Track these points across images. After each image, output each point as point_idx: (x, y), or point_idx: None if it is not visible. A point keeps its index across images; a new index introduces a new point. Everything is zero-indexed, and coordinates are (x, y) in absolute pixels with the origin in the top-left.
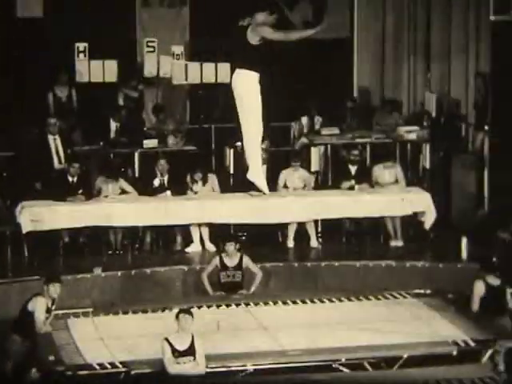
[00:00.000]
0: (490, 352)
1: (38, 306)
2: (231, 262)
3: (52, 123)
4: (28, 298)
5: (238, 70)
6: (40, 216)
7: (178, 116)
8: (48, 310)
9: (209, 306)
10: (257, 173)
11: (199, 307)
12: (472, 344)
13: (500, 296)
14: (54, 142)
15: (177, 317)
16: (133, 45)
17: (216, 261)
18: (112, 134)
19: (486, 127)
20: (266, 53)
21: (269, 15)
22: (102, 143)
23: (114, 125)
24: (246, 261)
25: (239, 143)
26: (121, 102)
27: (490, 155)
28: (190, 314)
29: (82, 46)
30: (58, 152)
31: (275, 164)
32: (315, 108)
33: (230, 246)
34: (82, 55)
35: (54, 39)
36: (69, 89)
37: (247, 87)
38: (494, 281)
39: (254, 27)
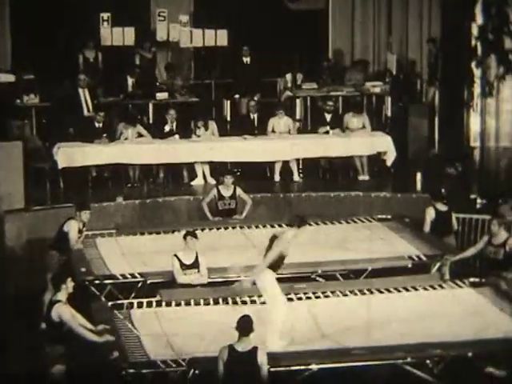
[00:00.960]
0: (438, 264)
1: (72, 227)
2: (227, 192)
3: (82, 79)
4: (64, 221)
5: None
6: (73, 155)
7: (185, 73)
8: (80, 231)
9: (210, 229)
10: None
11: (202, 229)
12: (424, 258)
13: (447, 220)
14: (84, 94)
15: (184, 237)
16: (147, 14)
17: (214, 191)
18: (129, 89)
19: (437, 83)
20: (258, 22)
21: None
22: (121, 96)
23: (130, 80)
24: (239, 191)
25: (236, 95)
26: (137, 61)
27: (440, 105)
28: (195, 235)
29: (105, 15)
30: (86, 102)
31: (265, 112)
32: (297, 66)
33: (229, 179)
34: (105, 23)
35: (82, 10)
36: (95, 51)
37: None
38: (442, 207)
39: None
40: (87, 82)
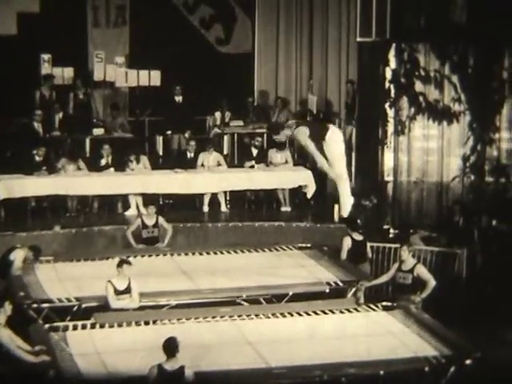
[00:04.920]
0: (353, 290)
1: (19, 256)
2: (150, 221)
3: (38, 114)
4: (8, 250)
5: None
6: (13, 186)
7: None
8: (24, 261)
9: (142, 256)
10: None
11: (135, 256)
12: (340, 284)
13: (362, 248)
14: (38, 129)
15: (119, 265)
16: (85, 56)
17: (138, 221)
18: (56, 125)
19: (354, 122)
20: (189, 63)
21: None
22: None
23: (57, 117)
24: (161, 220)
25: (168, 132)
26: (71, 100)
27: (356, 142)
28: (130, 263)
29: (46, 56)
30: (38, 136)
31: (196, 147)
32: (226, 105)
33: (152, 209)
34: (46, 64)
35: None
36: (50, 89)
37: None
38: (358, 237)
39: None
40: (42, 117)
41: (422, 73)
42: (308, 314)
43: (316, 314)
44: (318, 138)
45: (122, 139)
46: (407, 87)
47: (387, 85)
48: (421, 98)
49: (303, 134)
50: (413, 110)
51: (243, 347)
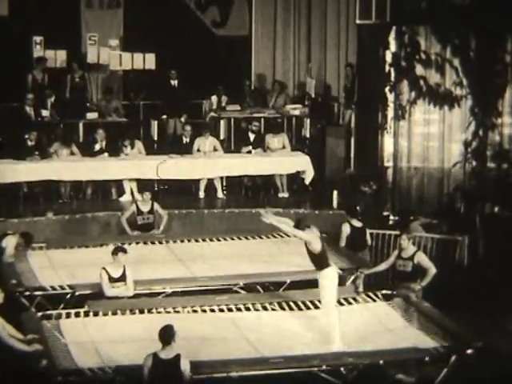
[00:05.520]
0: (352, 277)
1: (11, 243)
2: (145, 207)
3: (30, 98)
4: (0, 236)
5: None
6: (4, 171)
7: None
8: (16, 247)
9: (137, 243)
10: None
11: (129, 243)
12: (339, 271)
13: (361, 235)
14: (30, 113)
15: (115, 252)
16: (78, 38)
17: (133, 207)
18: (48, 108)
19: (353, 106)
20: (185, 46)
21: None
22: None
23: (49, 101)
24: (157, 206)
25: (164, 116)
26: (67, 83)
27: (356, 127)
28: (125, 251)
29: (38, 39)
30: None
31: (192, 132)
32: (222, 89)
33: (147, 195)
34: (38, 46)
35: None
36: (43, 72)
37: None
38: (357, 223)
39: None
40: (34, 101)
41: (423, 56)
42: (305, 304)
43: (313, 303)
44: None
45: (117, 123)
46: (408, 71)
47: (387, 68)
48: (421, 82)
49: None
50: (413, 94)
51: (239, 337)
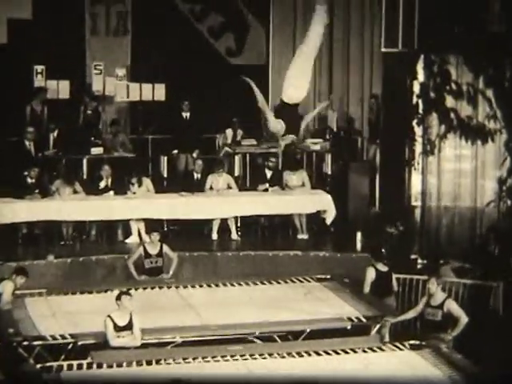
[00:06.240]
0: (377, 326)
1: (7, 289)
2: (154, 250)
3: (30, 131)
4: None
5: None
6: (2, 210)
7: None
8: (12, 293)
9: (144, 288)
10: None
11: (136, 289)
12: (363, 320)
13: (387, 280)
14: (30, 147)
15: (118, 297)
16: (83, 67)
17: (141, 249)
18: (51, 143)
19: (378, 140)
20: (197, 76)
21: None
22: (54, 150)
23: (51, 136)
24: (166, 249)
25: (174, 151)
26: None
27: (381, 163)
28: (130, 294)
29: (39, 68)
30: (31, 156)
31: (204, 169)
32: (237, 122)
33: (156, 236)
34: (39, 76)
35: (17, 62)
36: (42, 104)
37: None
38: (383, 267)
39: None
40: (34, 135)
41: (454, 87)
42: (327, 354)
43: (336, 353)
44: None
45: (123, 159)
46: (437, 102)
47: (415, 100)
48: (452, 115)
49: None
50: (443, 127)
51: None
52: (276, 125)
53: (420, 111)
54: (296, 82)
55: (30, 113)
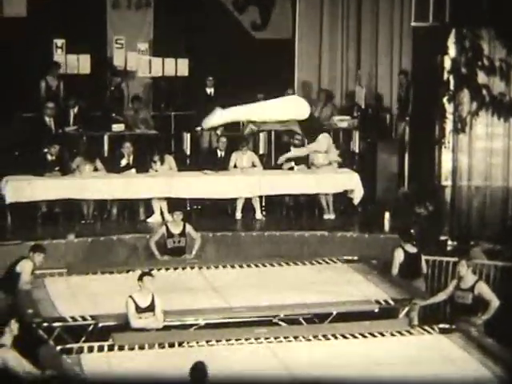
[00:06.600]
0: (406, 309)
1: (26, 268)
2: (176, 229)
3: (50, 107)
4: (16, 260)
5: None
6: (22, 189)
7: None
8: (32, 273)
9: (166, 269)
10: None
11: (158, 269)
12: (391, 302)
13: (416, 262)
14: (50, 124)
15: (140, 278)
16: (104, 42)
17: (163, 229)
18: (71, 120)
19: (407, 118)
20: (221, 51)
21: None
22: (75, 126)
23: (72, 112)
24: (189, 228)
25: (198, 128)
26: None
27: (410, 141)
28: (152, 275)
29: (59, 42)
30: (51, 132)
31: (228, 147)
32: (262, 99)
33: (179, 216)
34: (59, 50)
35: (36, 35)
36: (58, 79)
37: None
38: (411, 249)
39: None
40: (55, 110)
41: (486, 62)
42: (354, 337)
43: (363, 336)
44: None
45: (145, 136)
46: (469, 79)
47: (446, 76)
48: (484, 91)
49: None
50: (475, 104)
51: (281, 374)
52: None
53: (451, 87)
54: None
55: (44, 88)
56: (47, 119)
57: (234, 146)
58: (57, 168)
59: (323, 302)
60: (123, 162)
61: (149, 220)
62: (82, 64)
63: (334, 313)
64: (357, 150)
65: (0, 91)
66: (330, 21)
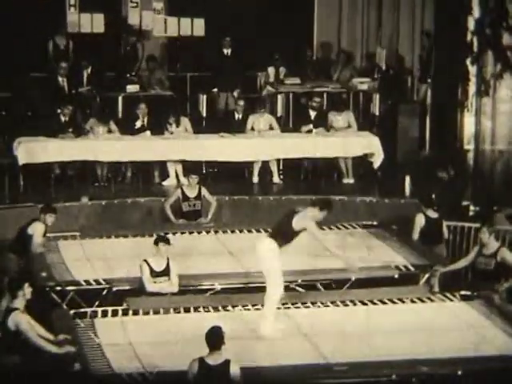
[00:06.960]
0: (427, 276)
1: (37, 230)
2: (192, 193)
3: (64, 67)
4: (27, 222)
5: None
6: (34, 150)
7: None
8: (44, 234)
9: (182, 233)
10: None
11: (174, 233)
12: (412, 268)
13: (437, 227)
14: (63, 84)
15: (156, 243)
16: (118, 0)
17: (178, 192)
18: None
19: (429, 80)
20: (238, 10)
21: (319, 211)
22: (88, 87)
23: (85, 72)
24: (204, 192)
25: (214, 90)
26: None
27: (432, 104)
28: (168, 241)
29: (72, 0)
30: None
31: (245, 108)
32: (280, 60)
33: (194, 179)
34: (72, 8)
35: None
36: (66, 38)
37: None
38: (433, 214)
39: (303, 217)
40: (68, 70)
41: (511, 23)
42: (373, 303)
43: (383, 302)
44: None
45: (160, 97)
46: (493, 40)
47: (469, 37)
48: (509, 53)
49: None
50: (499, 67)
51: (298, 339)
52: None
53: (474, 49)
54: None
55: (52, 48)
56: (60, 79)
57: (251, 109)
58: (70, 129)
59: (341, 267)
60: (138, 124)
61: (164, 183)
62: (95, 23)
63: (353, 278)
64: (377, 113)
65: (9, 51)
66: None
